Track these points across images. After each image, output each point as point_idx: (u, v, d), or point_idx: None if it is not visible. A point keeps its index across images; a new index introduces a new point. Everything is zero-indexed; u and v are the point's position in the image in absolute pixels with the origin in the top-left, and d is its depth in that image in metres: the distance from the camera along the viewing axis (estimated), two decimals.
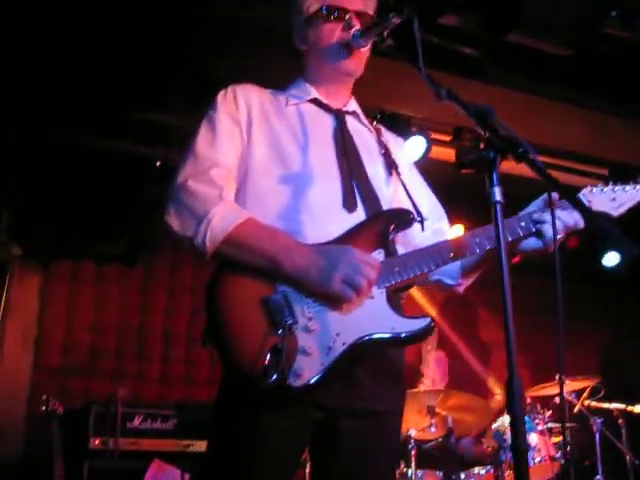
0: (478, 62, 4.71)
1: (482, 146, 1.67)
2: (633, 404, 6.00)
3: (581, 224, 2.06)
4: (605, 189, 2.21)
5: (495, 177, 1.61)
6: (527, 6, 3.95)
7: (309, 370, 1.91)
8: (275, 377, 1.88)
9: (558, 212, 2.04)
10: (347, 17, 2.24)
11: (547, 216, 2.04)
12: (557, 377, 5.53)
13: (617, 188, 2.22)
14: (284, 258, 1.97)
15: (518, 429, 1.56)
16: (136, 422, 4.92)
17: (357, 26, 2.23)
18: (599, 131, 5.40)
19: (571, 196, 1.59)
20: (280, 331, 1.93)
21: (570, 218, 2.06)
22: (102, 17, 4.19)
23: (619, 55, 4.71)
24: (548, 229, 2.05)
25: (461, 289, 2.37)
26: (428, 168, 4.92)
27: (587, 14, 4.20)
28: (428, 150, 4.96)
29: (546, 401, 5.77)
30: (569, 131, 5.27)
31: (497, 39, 4.25)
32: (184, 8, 4.20)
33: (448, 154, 5.18)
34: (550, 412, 5.55)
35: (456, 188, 4.55)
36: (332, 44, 2.26)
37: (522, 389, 1.54)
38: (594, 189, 2.21)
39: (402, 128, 4.78)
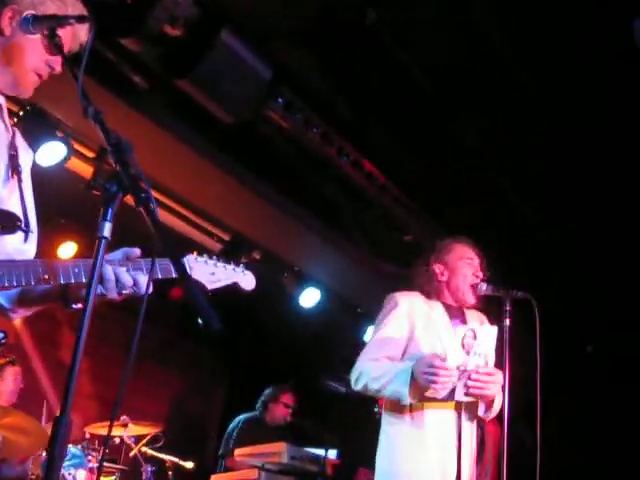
0: (146, 96, 4.70)
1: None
2: (186, 460, 6.21)
3: (140, 291, 2.01)
4: (209, 261, 2.28)
5: (109, 212, 1.57)
6: (205, 62, 4.05)
7: None
8: None
9: (129, 270, 2.02)
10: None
11: (120, 271, 2.01)
12: (121, 418, 5.55)
13: (219, 264, 2.30)
14: None
15: (53, 470, 1.50)
16: None
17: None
18: (233, 199, 5.65)
19: (175, 257, 1.61)
20: None
21: (129, 280, 2.01)
22: None
23: (274, 137, 5.03)
24: (107, 283, 1.98)
25: (15, 316, 2.19)
26: (62, 176, 4.79)
27: (256, 93, 4.43)
28: (66, 159, 4.76)
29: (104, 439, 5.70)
30: (207, 190, 5.44)
31: (169, 80, 4.27)
32: None
33: (86, 170, 5.02)
34: (106, 450, 5.50)
35: (82, 205, 4.42)
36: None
37: (69, 429, 1.48)
38: (199, 258, 2.26)
39: (47, 129, 4.54)
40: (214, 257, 2.31)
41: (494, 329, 3.23)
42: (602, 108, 4.84)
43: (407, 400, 3.12)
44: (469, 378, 3.14)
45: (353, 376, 3.34)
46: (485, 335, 3.20)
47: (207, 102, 4.33)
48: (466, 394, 3.18)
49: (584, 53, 4.43)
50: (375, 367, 3.27)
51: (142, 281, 1.99)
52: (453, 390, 3.17)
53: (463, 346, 3.18)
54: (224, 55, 4.12)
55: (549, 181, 5.79)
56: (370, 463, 3.58)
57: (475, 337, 3.20)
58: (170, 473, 5.96)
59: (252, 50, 4.31)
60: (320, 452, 5.95)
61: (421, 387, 3.11)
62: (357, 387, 3.32)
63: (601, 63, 4.47)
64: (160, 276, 2.07)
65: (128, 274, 2.00)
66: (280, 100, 4.66)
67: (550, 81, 4.72)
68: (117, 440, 5.70)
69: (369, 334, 7.47)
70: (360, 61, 4.63)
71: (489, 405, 3.32)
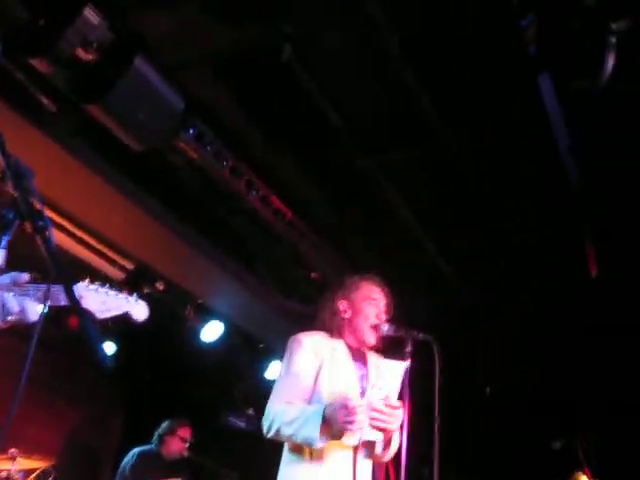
0: (54, 119, 4.59)
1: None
2: None
3: (27, 318, 1.96)
4: (100, 289, 2.23)
5: (4, 240, 1.52)
6: (117, 88, 3.99)
7: None
8: None
9: (21, 297, 1.97)
10: None
11: (6, 297, 1.95)
12: (9, 452, 5.34)
13: (111, 293, 2.25)
14: None
15: None
16: None
17: None
18: (139, 228, 5.55)
19: (67, 285, 1.56)
20: None
21: (15, 306, 1.96)
22: None
23: (183, 168, 4.98)
24: None
25: None
26: None
27: (168, 122, 4.39)
28: None
29: None
30: (112, 218, 5.33)
31: (79, 105, 4.18)
32: None
33: None
34: None
35: None
36: None
37: None
38: (91, 286, 2.22)
39: None
40: (106, 285, 2.26)
41: (402, 365, 3.25)
42: None
43: (318, 445, 3.07)
44: (372, 410, 3.13)
45: (266, 422, 3.24)
46: (389, 369, 3.22)
47: (117, 129, 4.25)
48: (371, 429, 3.18)
49: None
50: (287, 411, 3.19)
51: (29, 307, 1.93)
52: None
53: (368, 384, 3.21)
54: (137, 82, 4.07)
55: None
56: None
57: (379, 372, 3.23)
58: None
59: (165, 79, 4.27)
60: None
61: (332, 431, 3.08)
62: (270, 433, 3.22)
63: None
64: (49, 303, 2.01)
65: (15, 300, 1.93)
66: (191, 131, 4.63)
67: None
68: (3, 474, 5.47)
69: (271, 370, 7.47)
70: (273, 96, 4.66)
71: (387, 444, 3.34)
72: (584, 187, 5.20)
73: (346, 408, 3.01)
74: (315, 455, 3.22)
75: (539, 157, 4.98)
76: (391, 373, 3.21)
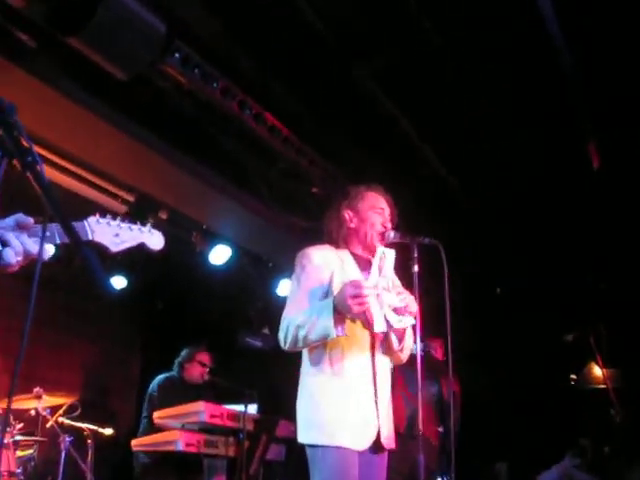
0: (35, 55, 4.47)
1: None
2: (104, 427, 6.15)
3: (44, 256, 1.94)
4: (112, 223, 2.21)
5: None
6: (96, 17, 3.86)
7: None
8: None
9: (24, 237, 1.93)
10: None
11: (9, 237, 1.92)
12: (35, 390, 5.46)
13: (123, 225, 2.23)
14: None
15: None
16: None
17: None
18: (135, 159, 5.48)
19: (64, 222, 1.52)
20: None
21: (32, 247, 1.91)
22: None
23: (172, 94, 4.87)
24: (7, 252, 1.88)
25: None
26: None
27: (151, 48, 4.27)
28: None
29: (20, 413, 5.61)
30: (108, 151, 5.25)
31: (59, 38, 4.07)
32: None
33: None
34: (22, 425, 5.41)
35: None
36: None
37: None
38: (101, 220, 2.18)
39: None
40: (118, 218, 2.23)
41: (392, 251, 3.31)
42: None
43: (334, 333, 3.07)
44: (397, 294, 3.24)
45: (281, 334, 3.27)
46: (387, 257, 3.29)
47: (100, 59, 4.14)
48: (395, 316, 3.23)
49: None
50: (299, 316, 3.23)
51: (34, 247, 1.90)
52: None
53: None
54: (115, 9, 3.94)
55: (455, 127, 5.84)
56: (290, 415, 3.60)
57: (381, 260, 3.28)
58: (89, 441, 5.90)
59: (145, 3, 4.13)
60: (240, 408, 5.98)
61: (345, 318, 3.12)
62: (287, 343, 3.25)
63: None
64: (59, 242, 1.98)
65: (17, 240, 1.89)
66: (177, 55, 4.51)
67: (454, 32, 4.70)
68: (32, 412, 5.63)
69: (282, 288, 7.52)
70: (258, 11, 4.53)
71: (401, 337, 3.38)
72: (576, 70, 5.06)
73: (353, 286, 3.04)
74: (335, 364, 3.26)
75: (531, 42, 4.83)
76: (389, 260, 3.27)
